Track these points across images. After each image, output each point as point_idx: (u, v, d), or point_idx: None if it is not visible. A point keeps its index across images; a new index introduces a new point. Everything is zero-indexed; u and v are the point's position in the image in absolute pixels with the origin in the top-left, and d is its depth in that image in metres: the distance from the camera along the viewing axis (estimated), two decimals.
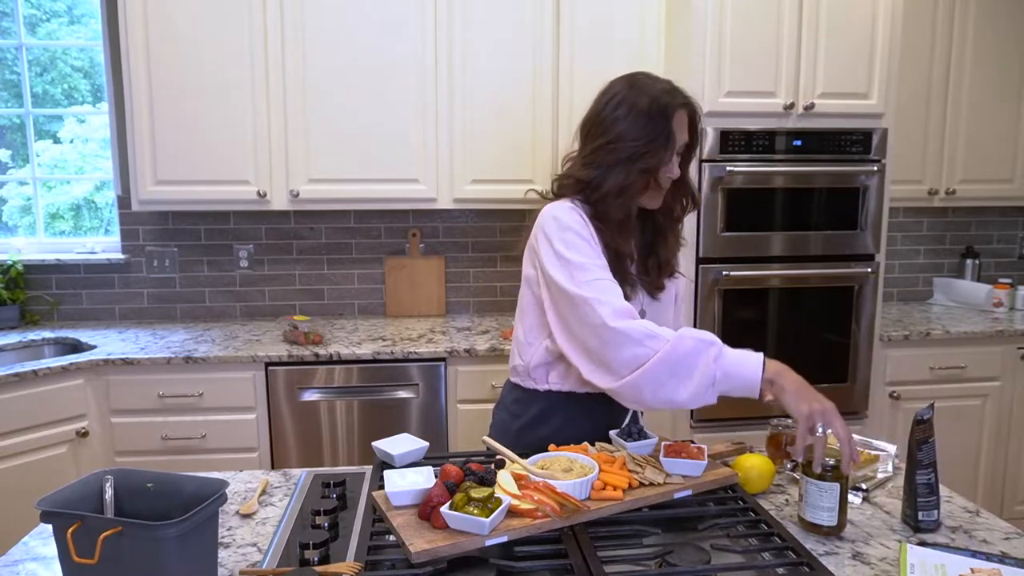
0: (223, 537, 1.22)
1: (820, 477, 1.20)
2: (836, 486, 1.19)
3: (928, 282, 3.59)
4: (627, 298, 1.45)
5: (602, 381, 1.34)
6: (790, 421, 1.53)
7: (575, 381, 1.49)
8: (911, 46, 2.97)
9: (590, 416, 1.51)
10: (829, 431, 1.20)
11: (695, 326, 2.66)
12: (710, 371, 1.24)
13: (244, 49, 2.64)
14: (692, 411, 2.73)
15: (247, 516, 1.30)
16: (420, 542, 1.04)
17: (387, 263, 3.17)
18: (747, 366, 1.24)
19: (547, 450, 1.35)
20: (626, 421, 1.48)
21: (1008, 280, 3.33)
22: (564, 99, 2.80)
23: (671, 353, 1.26)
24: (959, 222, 3.57)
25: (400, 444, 1.42)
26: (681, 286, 1.64)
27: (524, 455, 1.30)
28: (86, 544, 0.91)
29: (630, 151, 1.38)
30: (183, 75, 2.63)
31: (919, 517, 1.23)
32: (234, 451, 2.52)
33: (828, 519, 1.20)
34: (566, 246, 1.38)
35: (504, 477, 1.18)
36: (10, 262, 2.91)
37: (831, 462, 1.20)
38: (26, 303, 2.99)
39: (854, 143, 2.69)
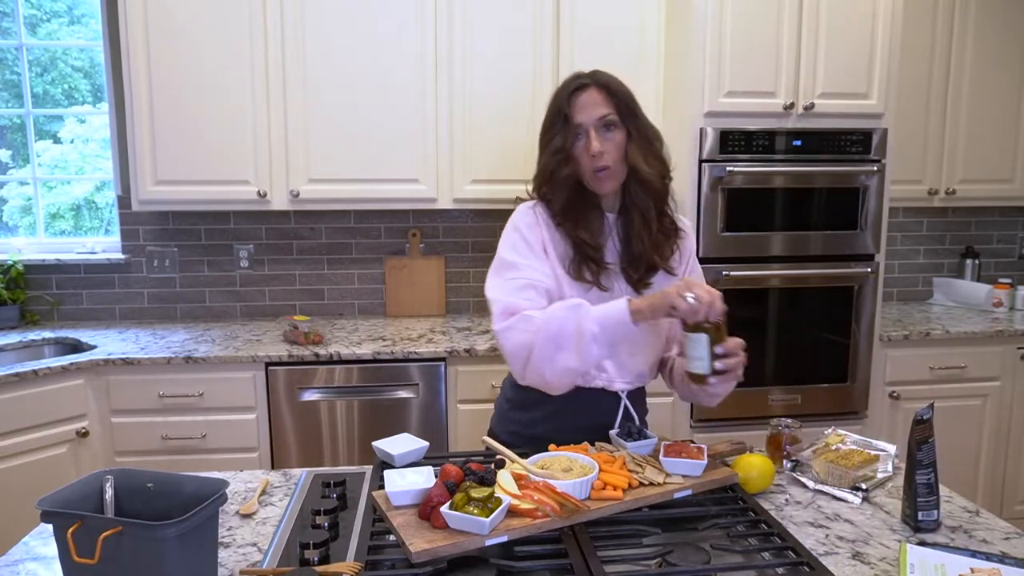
0: (223, 537, 1.22)
1: (691, 329, 1.28)
2: (703, 336, 1.27)
3: (928, 282, 3.59)
4: (605, 289, 1.47)
5: (517, 378, 1.44)
6: (790, 421, 1.53)
7: None
8: (911, 46, 2.97)
9: (576, 412, 1.50)
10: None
11: None
12: (585, 329, 1.31)
13: (244, 49, 2.64)
14: (692, 411, 2.73)
15: (247, 516, 1.30)
16: (420, 542, 1.04)
17: (387, 263, 3.17)
18: (614, 308, 1.32)
19: (545, 447, 1.35)
20: (618, 419, 1.49)
21: (1008, 280, 3.33)
22: None
23: (546, 328, 1.33)
24: (959, 222, 3.57)
25: (400, 444, 1.42)
26: (686, 252, 1.58)
27: (523, 454, 1.30)
28: (86, 544, 0.91)
29: (544, 142, 1.50)
30: (183, 75, 2.63)
31: (919, 517, 1.23)
32: (234, 451, 2.52)
33: (700, 367, 1.28)
34: (507, 245, 1.48)
35: (504, 477, 1.18)
36: (10, 262, 2.91)
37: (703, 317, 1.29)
38: (26, 303, 2.99)
39: (854, 143, 2.69)
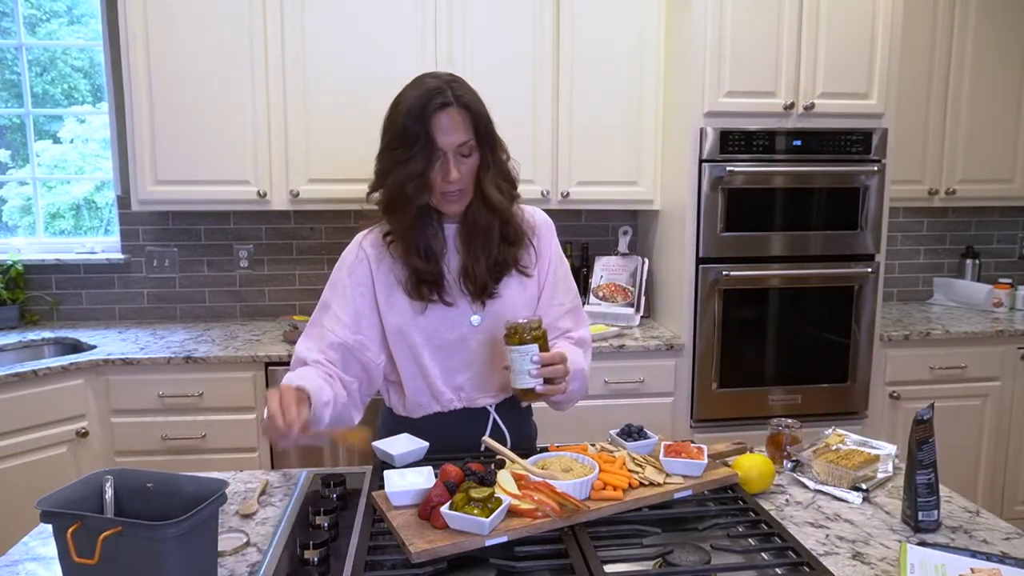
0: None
1: (520, 342, 1.28)
2: (534, 347, 1.28)
3: (928, 282, 3.59)
4: (449, 304, 1.43)
5: None
6: (790, 421, 1.53)
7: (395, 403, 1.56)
8: (911, 46, 2.96)
9: (445, 435, 1.48)
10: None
11: (695, 327, 2.67)
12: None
13: (244, 49, 2.64)
14: (692, 411, 2.73)
15: (247, 516, 1.30)
16: (420, 542, 1.04)
17: None
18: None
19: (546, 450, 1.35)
20: (486, 434, 1.49)
21: (1008, 280, 3.33)
22: (564, 98, 2.80)
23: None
24: (959, 222, 3.57)
25: (400, 444, 1.42)
26: (544, 251, 1.51)
27: (523, 454, 1.30)
28: (86, 544, 0.91)
29: (396, 159, 1.33)
30: (183, 75, 2.63)
31: (919, 517, 1.23)
32: (234, 451, 2.52)
33: (526, 381, 1.29)
34: (329, 283, 1.49)
35: (504, 477, 1.18)
36: (10, 262, 2.91)
37: (533, 326, 1.30)
38: (26, 303, 2.99)
39: (854, 143, 2.69)
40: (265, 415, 1.18)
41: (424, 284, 1.42)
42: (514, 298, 1.48)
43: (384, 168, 1.37)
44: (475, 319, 1.46)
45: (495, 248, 1.43)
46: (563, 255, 1.57)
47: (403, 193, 1.35)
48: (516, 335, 1.29)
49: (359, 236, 1.51)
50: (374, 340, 1.46)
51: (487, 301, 1.46)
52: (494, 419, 1.52)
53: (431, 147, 1.31)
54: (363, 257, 1.47)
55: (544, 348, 1.30)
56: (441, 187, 1.35)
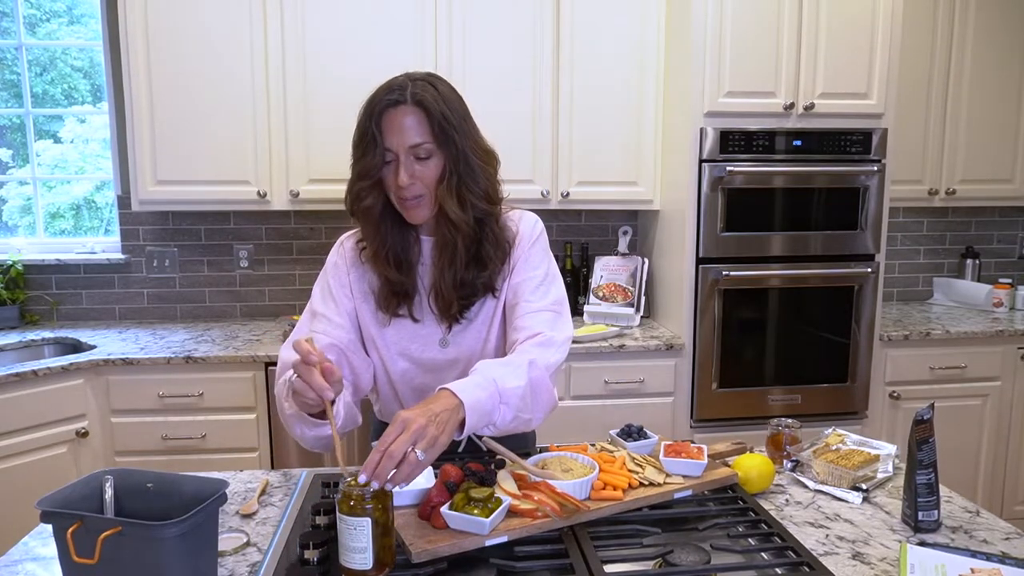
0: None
1: (350, 511, 0.98)
2: (367, 521, 0.98)
3: (928, 282, 3.59)
4: (417, 320, 1.39)
5: None
6: (790, 421, 1.53)
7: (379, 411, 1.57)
8: (911, 46, 2.97)
9: None
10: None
11: (695, 326, 2.67)
12: (284, 408, 1.26)
13: (245, 49, 2.64)
14: (692, 411, 2.73)
15: (247, 516, 1.30)
16: (420, 542, 1.04)
17: None
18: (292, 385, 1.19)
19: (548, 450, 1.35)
20: (461, 445, 1.40)
21: (1008, 280, 3.33)
22: (564, 98, 2.80)
23: (278, 407, 1.30)
24: (959, 222, 3.57)
25: None
26: (512, 260, 1.40)
27: (524, 454, 1.30)
28: (86, 544, 0.91)
29: (353, 158, 1.30)
30: (183, 75, 2.63)
31: (919, 517, 1.23)
32: (234, 451, 2.52)
33: (361, 562, 0.99)
34: (316, 291, 1.44)
35: (504, 477, 1.18)
36: (10, 262, 2.91)
37: (369, 489, 0.98)
38: (26, 303, 2.99)
39: (854, 143, 2.69)
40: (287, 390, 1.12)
41: (394, 296, 1.37)
42: (485, 326, 1.43)
43: (351, 166, 1.33)
44: (443, 341, 1.43)
45: (460, 268, 1.35)
46: (546, 256, 1.45)
47: (355, 195, 1.30)
48: (345, 501, 1.00)
49: (341, 238, 1.48)
50: (349, 346, 1.43)
51: (454, 325, 1.40)
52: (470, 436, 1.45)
53: (379, 147, 1.25)
54: (342, 258, 1.44)
55: (385, 520, 1.01)
56: (395, 192, 1.28)
